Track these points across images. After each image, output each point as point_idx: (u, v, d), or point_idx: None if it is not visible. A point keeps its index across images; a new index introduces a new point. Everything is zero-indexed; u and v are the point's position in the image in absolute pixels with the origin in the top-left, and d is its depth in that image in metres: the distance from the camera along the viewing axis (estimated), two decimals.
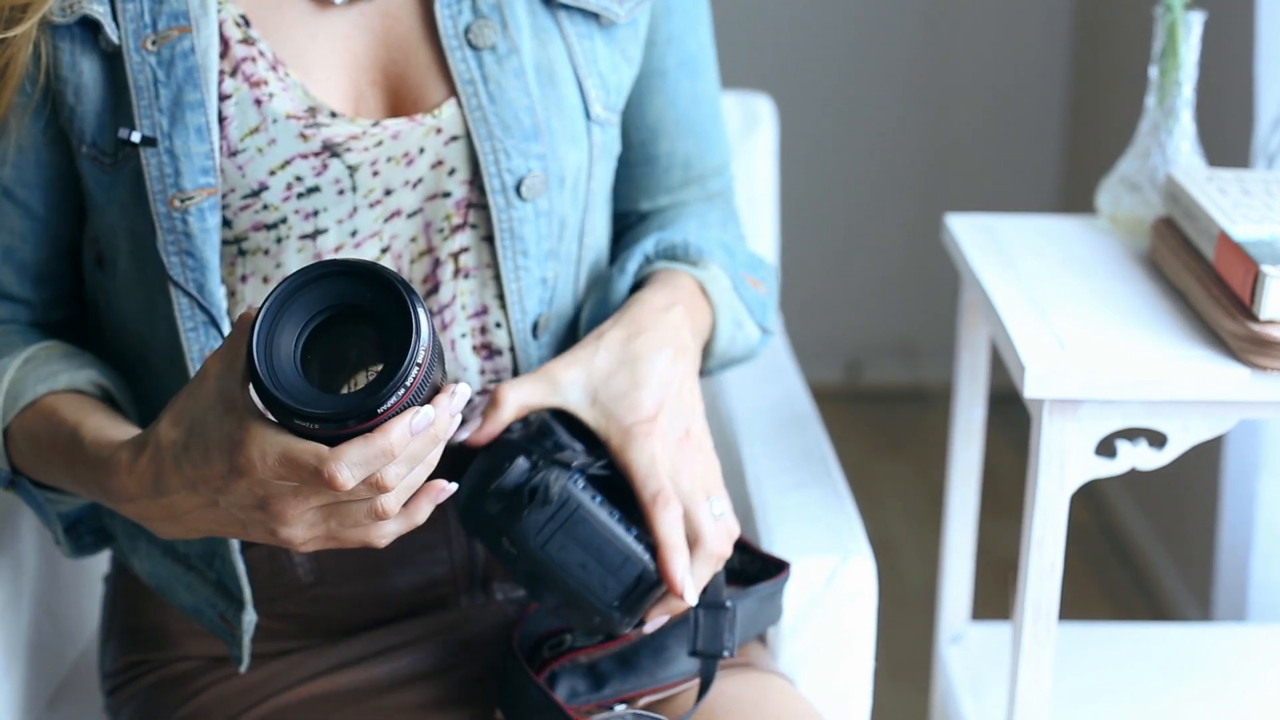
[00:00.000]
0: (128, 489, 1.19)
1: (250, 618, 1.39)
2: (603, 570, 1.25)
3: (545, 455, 1.29)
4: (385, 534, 1.15)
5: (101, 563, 1.79)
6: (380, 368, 1.07)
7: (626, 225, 1.59)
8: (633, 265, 1.46)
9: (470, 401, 1.34)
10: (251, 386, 1.09)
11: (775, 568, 1.50)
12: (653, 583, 1.27)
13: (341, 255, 1.14)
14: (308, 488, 1.10)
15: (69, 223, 1.41)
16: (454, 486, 1.15)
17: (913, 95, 3.85)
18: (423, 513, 1.15)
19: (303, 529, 1.13)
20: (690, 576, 1.28)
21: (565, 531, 1.26)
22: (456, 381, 1.18)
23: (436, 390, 1.10)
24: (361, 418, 1.06)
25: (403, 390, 1.06)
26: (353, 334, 1.10)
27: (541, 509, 1.25)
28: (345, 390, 1.11)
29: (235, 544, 1.38)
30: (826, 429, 1.89)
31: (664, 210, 1.58)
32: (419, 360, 1.06)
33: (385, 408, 1.06)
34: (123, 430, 1.26)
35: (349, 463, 1.06)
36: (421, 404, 1.08)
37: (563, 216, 1.42)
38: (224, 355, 1.12)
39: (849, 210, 3.91)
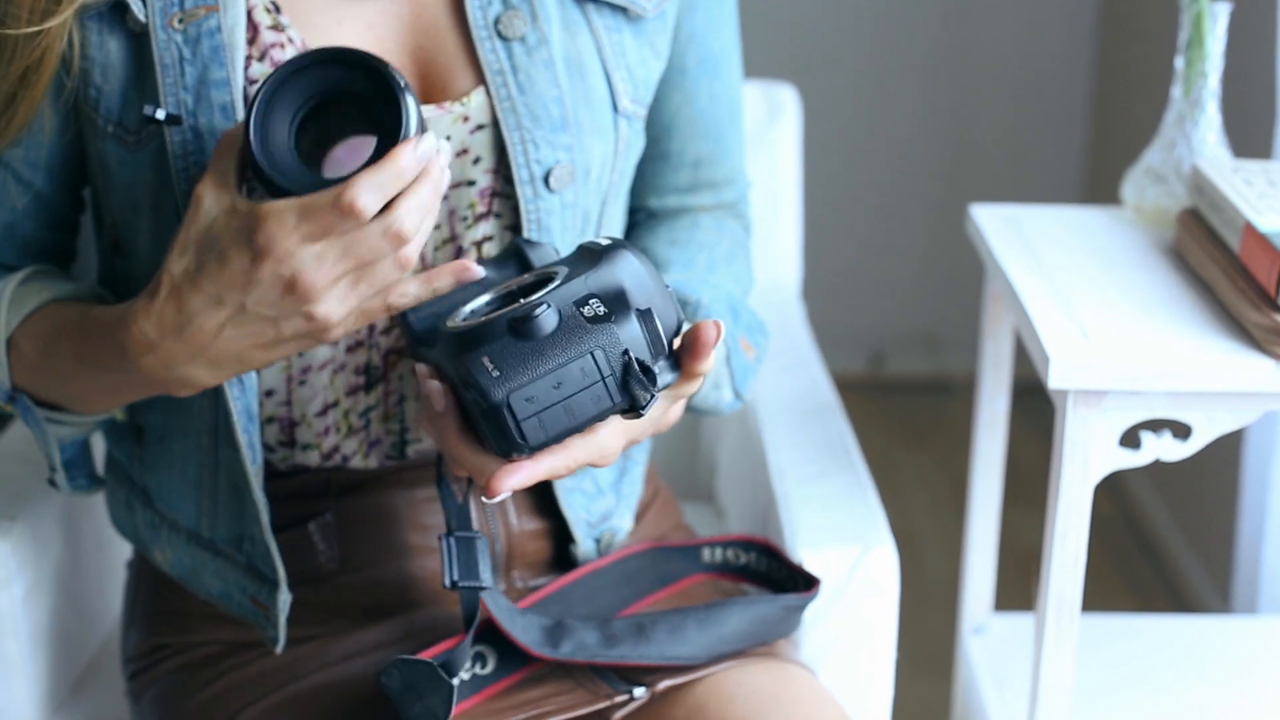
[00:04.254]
0: (147, 335, 1.22)
1: (285, 597, 1.40)
2: (546, 409, 1.19)
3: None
4: (407, 294, 1.22)
5: (124, 549, 1.79)
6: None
7: (633, 222, 1.59)
8: None
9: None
10: (251, 182, 1.18)
11: (804, 581, 1.50)
12: (512, 448, 1.21)
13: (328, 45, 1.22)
14: (331, 247, 1.16)
15: (71, 201, 1.43)
16: (479, 269, 1.24)
17: (937, 85, 3.84)
18: (444, 282, 1.23)
19: (334, 303, 1.18)
20: None
21: (595, 385, 1.20)
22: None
23: None
24: None
25: (403, 125, 1.17)
26: (345, 118, 1.20)
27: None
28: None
29: (266, 524, 1.38)
30: (849, 419, 1.89)
31: (673, 214, 1.58)
32: (408, 106, 1.16)
33: None
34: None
35: (364, 188, 1.14)
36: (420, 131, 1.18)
37: (585, 208, 1.42)
38: (214, 178, 1.19)
39: (872, 200, 3.91)
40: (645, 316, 1.21)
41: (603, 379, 1.19)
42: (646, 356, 1.20)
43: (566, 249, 1.42)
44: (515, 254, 1.33)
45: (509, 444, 1.18)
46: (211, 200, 1.19)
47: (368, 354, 1.40)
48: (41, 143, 1.36)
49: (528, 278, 1.27)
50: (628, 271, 1.22)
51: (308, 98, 1.19)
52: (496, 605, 1.36)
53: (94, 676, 1.73)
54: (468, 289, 1.30)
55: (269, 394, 1.40)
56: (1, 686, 1.56)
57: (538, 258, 1.32)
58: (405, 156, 1.16)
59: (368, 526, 1.44)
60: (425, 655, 1.35)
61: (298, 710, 1.41)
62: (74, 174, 1.40)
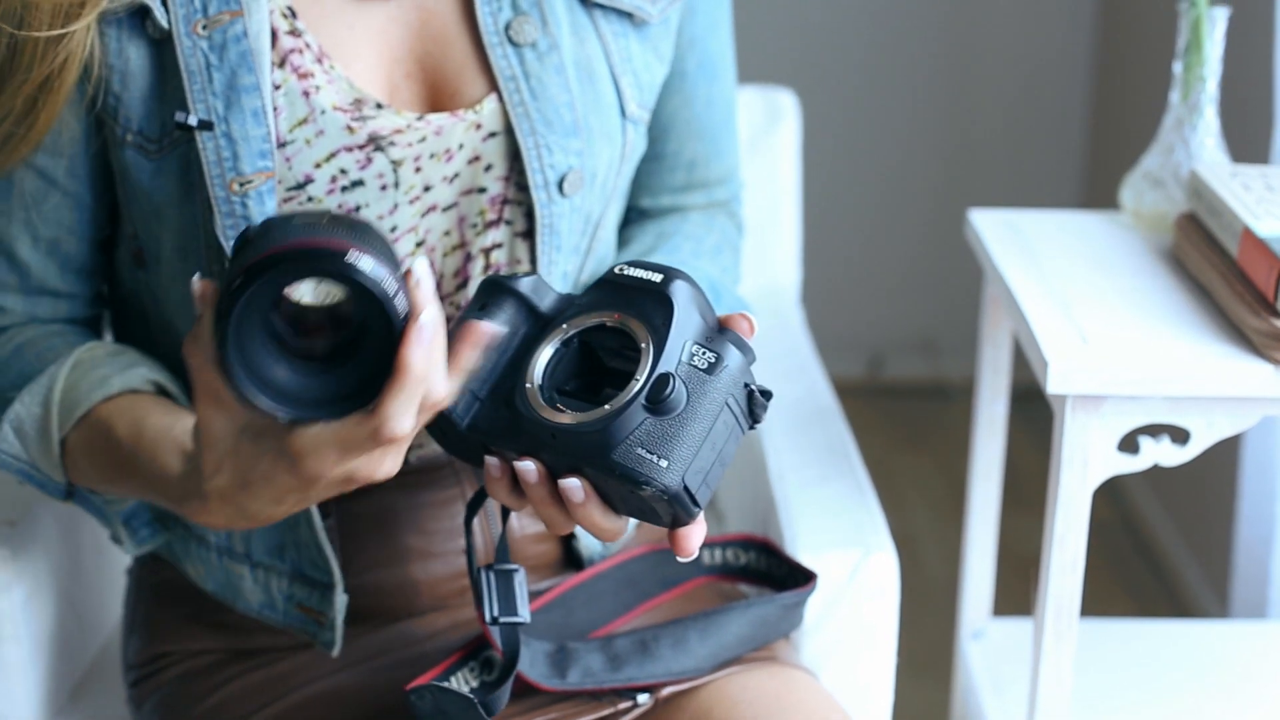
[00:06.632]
0: (217, 522, 1.19)
1: (342, 599, 1.40)
2: (709, 470, 1.18)
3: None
4: (445, 397, 1.13)
5: (123, 556, 1.79)
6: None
7: (625, 221, 1.59)
8: None
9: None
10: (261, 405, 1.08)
11: (802, 576, 1.51)
12: (693, 515, 1.21)
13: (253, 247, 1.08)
14: (377, 449, 1.10)
15: (109, 214, 1.42)
16: (494, 326, 1.16)
17: (936, 90, 3.84)
18: (471, 359, 1.14)
19: (392, 463, 1.13)
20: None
21: (734, 428, 1.19)
22: (409, 260, 1.13)
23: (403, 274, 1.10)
24: (383, 378, 1.07)
25: (395, 322, 1.06)
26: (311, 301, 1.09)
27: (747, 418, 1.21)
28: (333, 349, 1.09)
29: (319, 527, 1.38)
30: (849, 424, 1.89)
31: (665, 213, 1.58)
32: (386, 293, 1.05)
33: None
34: (180, 435, 1.24)
35: (397, 415, 1.07)
36: (408, 307, 1.07)
37: (589, 211, 1.43)
38: (208, 399, 1.11)
39: (871, 205, 3.91)
40: (733, 339, 1.20)
41: (737, 419, 1.18)
42: (752, 376, 1.20)
43: (570, 251, 1.42)
44: (509, 295, 1.25)
45: (688, 516, 1.18)
46: (221, 423, 1.11)
47: None
48: (77, 152, 1.36)
49: (575, 325, 1.22)
50: (695, 300, 1.20)
51: (268, 309, 1.07)
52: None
53: (94, 682, 1.72)
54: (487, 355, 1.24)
55: None
56: (1, 691, 1.56)
57: (537, 295, 1.26)
58: (417, 360, 1.06)
59: (370, 530, 1.44)
60: (436, 671, 1.35)
61: (301, 718, 1.41)
62: (108, 184, 1.39)
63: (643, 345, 1.18)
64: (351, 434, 1.08)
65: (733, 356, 1.18)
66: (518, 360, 1.24)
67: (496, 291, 1.25)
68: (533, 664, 1.36)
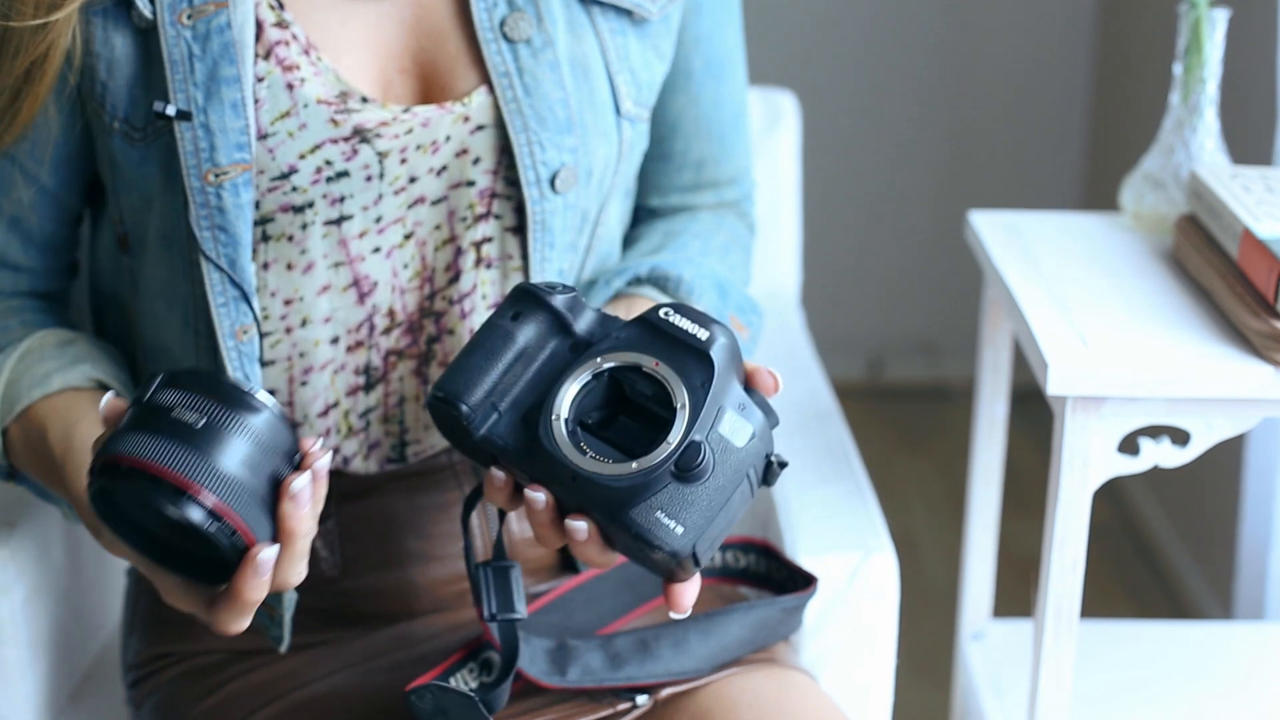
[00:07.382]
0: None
1: (291, 596, 1.40)
2: (718, 536, 1.19)
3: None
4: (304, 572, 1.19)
5: None
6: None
7: (635, 219, 1.59)
8: (619, 283, 1.46)
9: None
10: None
11: (802, 580, 1.50)
12: (690, 574, 1.21)
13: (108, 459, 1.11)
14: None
15: (77, 195, 1.43)
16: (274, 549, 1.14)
17: (936, 91, 3.84)
18: (322, 490, 1.18)
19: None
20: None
21: (747, 495, 1.20)
22: (299, 469, 1.16)
23: (278, 478, 1.13)
24: (229, 572, 1.13)
25: (229, 560, 1.11)
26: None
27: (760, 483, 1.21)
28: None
29: None
30: (848, 425, 1.89)
31: (674, 212, 1.58)
32: (222, 531, 1.10)
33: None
34: None
35: (225, 622, 1.15)
36: (244, 545, 1.11)
37: (585, 209, 1.43)
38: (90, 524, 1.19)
39: (871, 206, 3.91)
40: (760, 403, 1.19)
41: (752, 486, 1.18)
42: (773, 444, 1.19)
43: (565, 248, 1.41)
44: (542, 308, 1.24)
45: (686, 575, 1.18)
46: (107, 537, 1.18)
47: (367, 354, 1.40)
48: (46, 139, 1.37)
49: (610, 360, 1.21)
50: (733, 361, 1.20)
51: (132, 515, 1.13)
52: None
53: (93, 683, 1.72)
54: (504, 364, 1.23)
55: (272, 393, 1.40)
56: (1, 693, 1.56)
57: (572, 313, 1.24)
58: (248, 591, 1.12)
59: (370, 533, 1.44)
60: (435, 672, 1.35)
61: (300, 719, 1.41)
62: (80, 170, 1.40)
63: (678, 405, 1.17)
64: (192, 604, 1.16)
65: (760, 427, 1.18)
66: (543, 378, 1.23)
67: (530, 302, 1.24)
68: (533, 660, 1.36)
